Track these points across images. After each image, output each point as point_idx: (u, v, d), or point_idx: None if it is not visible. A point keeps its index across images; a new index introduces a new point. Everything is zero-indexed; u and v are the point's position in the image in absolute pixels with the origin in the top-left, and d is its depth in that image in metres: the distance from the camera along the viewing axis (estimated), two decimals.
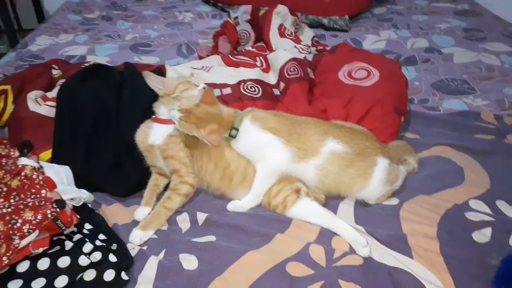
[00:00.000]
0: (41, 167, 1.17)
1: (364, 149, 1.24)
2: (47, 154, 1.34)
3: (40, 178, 1.09)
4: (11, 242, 0.96)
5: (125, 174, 1.33)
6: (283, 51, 1.77)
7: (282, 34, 1.98)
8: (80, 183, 1.26)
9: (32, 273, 0.96)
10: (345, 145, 1.23)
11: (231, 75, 1.63)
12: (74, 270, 0.98)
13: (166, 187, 1.30)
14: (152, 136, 1.29)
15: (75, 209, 1.14)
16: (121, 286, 1.01)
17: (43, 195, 1.05)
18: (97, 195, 1.29)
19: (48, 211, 1.01)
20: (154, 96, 1.37)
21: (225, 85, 1.58)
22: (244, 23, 2.09)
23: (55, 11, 2.76)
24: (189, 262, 1.07)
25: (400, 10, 2.80)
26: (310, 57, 1.83)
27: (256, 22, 2.06)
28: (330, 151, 1.22)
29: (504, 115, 1.67)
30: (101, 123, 1.39)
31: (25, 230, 0.98)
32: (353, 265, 1.06)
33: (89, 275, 0.99)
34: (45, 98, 1.49)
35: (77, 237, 1.06)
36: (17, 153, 1.19)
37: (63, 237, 1.06)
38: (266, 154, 1.23)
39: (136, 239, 1.13)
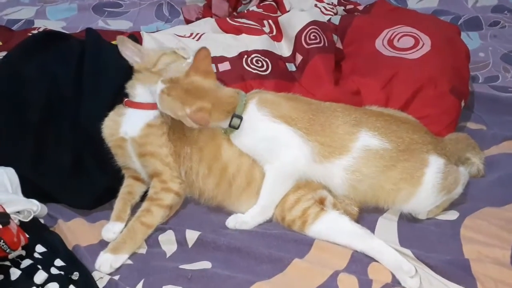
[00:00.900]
0: None
1: (411, 145, 1.23)
2: None
3: None
4: None
5: (88, 178, 1.33)
6: (300, 12, 1.76)
7: None
8: (28, 190, 1.26)
9: None
10: (384, 140, 1.22)
11: (229, 45, 1.63)
12: None
13: (144, 196, 1.30)
14: (125, 125, 1.29)
15: (23, 225, 1.14)
16: None
17: None
18: (52, 207, 1.30)
19: None
20: (127, 73, 1.36)
21: (222, 59, 1.57)
22: None
23: None
24: None
25: None
26: (336, 20, 1.83)
27: None
28: (364, 147, 1.21)
29: None
30: (55, 110, 1.40)
31: None
32: None
33: None
34: None
35: (26, 263, 1.07)
36: None
37: (7, 263, 1.06)
38: (278, 151, 1.23)
39: (105, 266, 1.13)
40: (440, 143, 1.29)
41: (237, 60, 1.58)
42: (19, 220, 1.15)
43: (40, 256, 1.11)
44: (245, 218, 1.25)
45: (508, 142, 1.48)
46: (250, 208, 1.26)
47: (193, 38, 1.65)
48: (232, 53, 1.60)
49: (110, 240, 1.21)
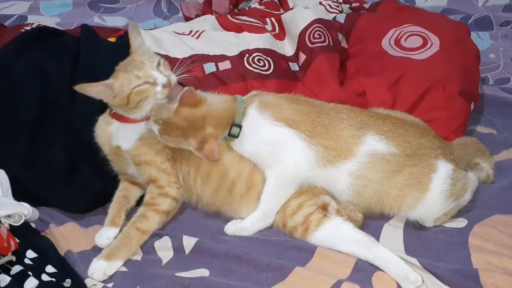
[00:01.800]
0: None
1: (419, 149, 1.23)
2: None
3: None
4: None
5: (82, 181, 1.33)
6: (303, 10, 1.76)
7: None
8: (19, 193, 1.26)
9: None
10: (391, 144, 1.22)
11: (230, 44, 1.63)
12: None
13: (140, 201, 1.30)
14: (116, 138, 1.28)
15: (14, 230, 1.14)
16: None
17: None
18: (44, 211, 1.30)
19: None
20: None
21: (223, 57, 1.57)
22: None
23: None
24: None
25: None
26: (341, 18, 1.83)
27: None
28: (370, 151, 1.21)
29: None
30: (49, 110, 1.40)
31: None
32: None
33: None
34: None
35: (16, 269, 1.07)
36: None
37: None
38: (280, 156, 1.23)
39: (98, 273, 1.13)
40: (448, 148, 1.29)
41: (238, 59, 1.58)
42: (9, 224, 1.16)
43: (31, 262, 1.11)
44: (244, 224, 1.25)
45: None
46: (250, 214, 1.25)
47: (193, 36, 1.66)
48: (233, 51, 1.60)
49: (103, 246, 1.21)
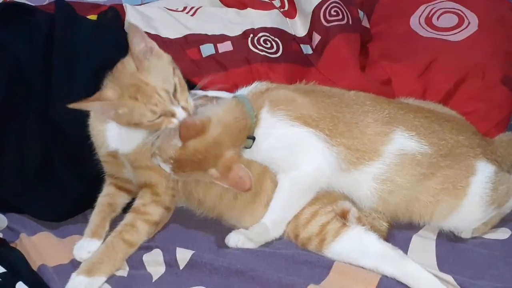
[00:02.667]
0: None
1: (456, 148, 1.23)
2: None
3: None
4: None
5: (58, 183, 1.34)
6: None
7: None
8: None
9: None
10: (423, 142, 1.22)
11: (232, 22, 1.63)
12: None
13: (125, 207, 1.31)
14: (113, 141, 1.27)
15: None
16: None
17: None
18: (13, 218, 1.30)
19: None
20: (107, 54, 1.35)
21: (223, 38, 1.58)
22: None
23: None
24: None
25: None
26: None
27: None
28: (399, 151, 1.21)
29: None
30: (18, 100, 1.40)
31: None
32: None
33: None
34: None
35: None
36: None
37: None
38: (297, 159, 1.23)
39: None
40: (490, 146, 1.29)
41: (241, 40, 1.58)
42: None
43: None
44: (249, 234, 1.24)
45: None
46: (255, 222, 1.25)
47: (187, 13, 1.66)
48: (235, 31, 1.61)
49: (83, 259, 1.20)
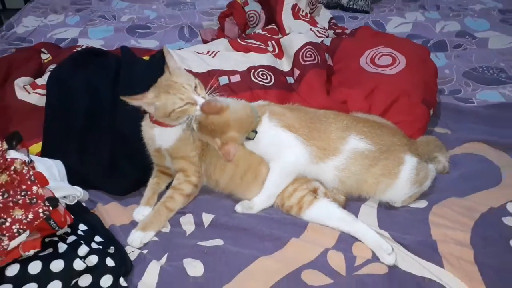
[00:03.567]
0: (31, 161, 1.17)
1: (391, 146, 1.23)
2: (37, 147, 1.35)
3: (31, 173, 1.09)
4: None
5: (122, 170, 1.33)
6: (298, 35, 1.76)
7: (296, 15, 1.97)
8: (73, 179, 1.27)
9: (23, 278, 0.97)
10: (369, 142, 1.22)
11: (240, 61, 1.63)
12: (68, 275, 0.99)
13: (168, 186, 1.30)
14: (158, 140, 1.27)
15: (68, 208, 1.14)
16: None
17: (34, 192, 1.06)
18: (92, 193, 1.30)
19: (40, 210, 1.02)
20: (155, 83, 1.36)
21: (234, 72, 1.58)
22: (253, 3, 2.09)
23: None
24: (194, 268, 1.07)
25: None
26: (327, 42, 1.83)
27: (267, 2, 2.05)
28: (352, 149, 1.21)
29: None
30: (96, 114, 1.40)
31: (15, 230, 0.99)
32: (376, 274, 1.05)
33: (85, 280, 0.99)
34: (34, 86, 1.51)
35: (71, 238, 1.07)
36: (5, 145, 1.19)
37: (55, 238, 1.06)
38: (283, 153, 1.22)
39: (135, 242, 1.14)
40: (413, 145, 1.29)
41: (246, 74, 1.58)
42: (66, 204, 1.16)
43: (82, 233, 1.11)
44: (251, 204, 1.25)
45: (469, 144, 1.47)
46: (255, 196, 1.25)
47: (210, 55, 1.66)
48: (242, 67, 1.60)
49: (139, 220, 1.21)
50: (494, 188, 1.29)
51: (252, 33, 1.99)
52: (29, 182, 1.07)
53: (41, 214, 1.01)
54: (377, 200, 1.26)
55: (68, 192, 1.17)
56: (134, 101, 1.18)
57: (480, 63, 1.96)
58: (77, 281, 0.99)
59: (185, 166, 1.26)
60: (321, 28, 1.97)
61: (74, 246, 1.04)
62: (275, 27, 1.98)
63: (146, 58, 1.64)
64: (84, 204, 1.24)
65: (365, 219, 1.21)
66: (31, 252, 1.00)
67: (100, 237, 1.12)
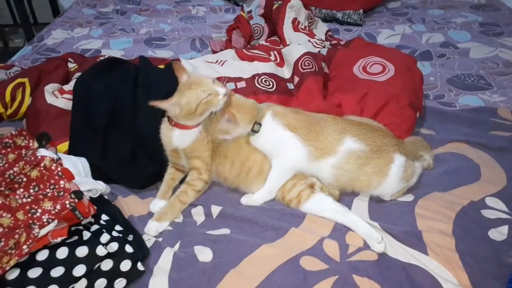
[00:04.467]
0: (59, 158, 1.18)
1: (382, 147, 1.22)
2: (64, 146, 1.36)
3: (59, 169, 1.10)
4: (30, 231, 0.98)
5: (141, 166, 1.33)
6: (297, 45, 1.75)
7: (296, 28, 1.96)
8: (96, 175, 1.27)
9: (51, 262, 0.98)
10: (362, 143, 1.21)
11: (245, 69, 1.62)
12: (91, 259, 0.99)
13: (182, 181, 1.31)
14: (176, 141, 1.27)
15: (92, 200, 1.15)
16: (137, 276, 1.02)
17: (61, 186, 1.07)
18: (113, 187, 1.30)
19: (67, 202, 1.03)
20: (170, 88, 1.35)
21: (240, 79, 1.57)
22: (257, 17, 2.08)
23: (70, 5, 2.78)
24: (204, 254, 1.08)
25: (415, 4, 2.75)
26: (324, 52, 1.82)
27: (270, 16, 2.04)
28: (347, 150, 1.20)
29: None
30: (117, 116, 1.40)
31: (45, 220, 1.00)
32: (367, 261, 1.05)
33: (106, 265, 1.00)
34: (61, 91, 1.51)
35: (94, 227, 1.08)
36: (36, 144, 1.20)
37: (80, 227, 1.07)
38: (284, 151, 1.22)
39: (152, 230, 1.14)
40: (402, 145, 1.28)
41: (251, 80, 1.57)
42: (90, 196, 1.17)
43: (104, 223, 1.12)
44: (255, 197, 1.24)
45: (451, 144, 1.46)
46: (259, 190, 1.25)
47: (218, 64, 1.66)
48: (247, 75, 1.60)
49: (155, 212, 1.21)
50: (474, 183, 1.29)
51: (257, 44, 1.98)
52: (57, 177, 1.08)
53: (68, 206, 1.02)
54: (369, 194, 1.26)
55: (91, 186, 1.18)
56: (162, 104, 1.18)
57: (462, 71, 1.95)
58: (99, 265, 1.00)
59: (199, 164, 1.26)
60: (318, 40, 1.96)
61: (97, 234, 1.05)
62: (277, 38, 1.97)
63: (161, 66, 1.64)
64: (106, 197, 1.25)
65: (358, 211, 1.20)
66: (59, 239, 1.01)
67: (120, 226, 1.13)
